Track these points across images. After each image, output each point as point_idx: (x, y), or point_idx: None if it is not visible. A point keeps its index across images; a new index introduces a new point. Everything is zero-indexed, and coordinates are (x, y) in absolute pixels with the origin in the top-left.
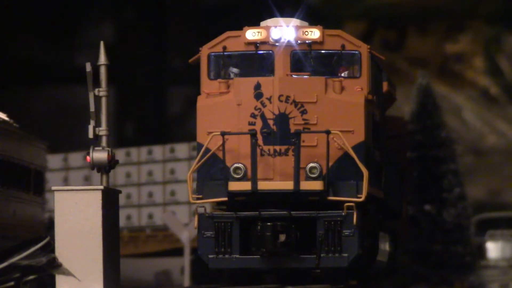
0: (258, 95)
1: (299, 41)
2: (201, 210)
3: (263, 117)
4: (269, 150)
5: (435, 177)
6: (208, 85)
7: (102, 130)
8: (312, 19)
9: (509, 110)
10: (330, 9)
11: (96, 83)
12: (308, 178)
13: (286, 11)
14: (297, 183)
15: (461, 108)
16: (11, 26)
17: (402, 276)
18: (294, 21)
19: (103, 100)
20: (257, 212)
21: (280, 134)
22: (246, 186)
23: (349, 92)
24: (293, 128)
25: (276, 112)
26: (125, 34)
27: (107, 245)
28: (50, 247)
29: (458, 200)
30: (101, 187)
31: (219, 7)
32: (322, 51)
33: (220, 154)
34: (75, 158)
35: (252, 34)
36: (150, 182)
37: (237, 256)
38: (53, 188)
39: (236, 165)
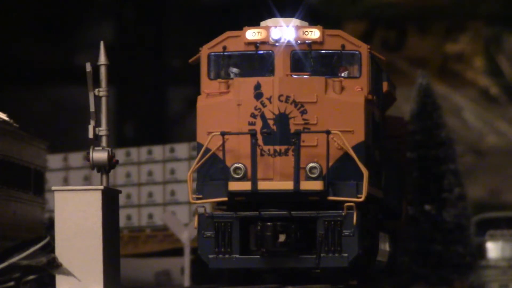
0: (258, 95)
1: (299, 41)
2: (201, 210)
3: (263, 117)
4: (269, 150)
5: (435, 177)
6: (208, 85)
7: (102, 130)
8: (312, 19)
9: (509, 110)
10: (330, 9)
11: (96, 83)
12: (308, 178)
13: (286, 11)
14: (297, 183)
15: (461, 108)
16: (11, 27)
17: (402, 276)
18: (294, 21)
19: (103, 100)
20: (257, 212)
21: (280, 134)
22: (246, 186)
23: (349, 92)
24: (293, 128)
25: (276, 112)
26: (125, 34)
27: (107, 245)
28: (50, 247)
29: (458, 200)
30: (101, 187)
31: (219, 7)
32: (322, 51)
33: (220, 154)
34: (75, 158)
35: (252, 34)
36: (150, 182)
37: (237, 256)
38: (53, 188)
39: (236, 165)
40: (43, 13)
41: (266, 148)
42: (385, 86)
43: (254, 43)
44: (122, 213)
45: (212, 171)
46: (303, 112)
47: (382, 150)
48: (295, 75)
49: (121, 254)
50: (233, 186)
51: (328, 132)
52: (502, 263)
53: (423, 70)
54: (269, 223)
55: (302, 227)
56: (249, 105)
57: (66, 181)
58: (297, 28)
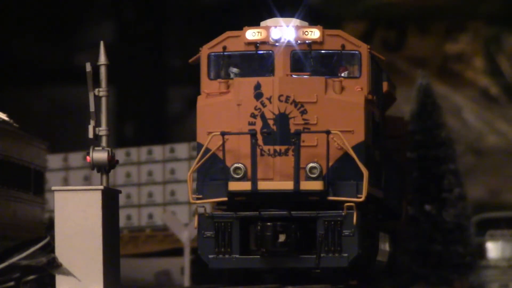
0: (258, 95)
1: (299, 41)
2: (201, 210)
3: (263, 117)
4: (269, 150)
5: (435, 177)
6: (208, 85)
7: (102, 130)
8: (312, 19)
9: (509, 110)
10: (330, 9)
11: (96, 83)
12: (308, 178)
13: (286, 11)
14: (297, 183)
15: (461, 108)
16: (11, 27)
17: (402, 276)
18: (294, 21)
19: (103, 100)
20: (257, 212)
21: (280, 134)
22: (246, 186)
23: (349, 92)
24: (293, 128)
25: (276, 112)
26: (125, 34)
27: (107, 245)
28: (50, 247)
29: (458, 200)
30: (101, 187)
31: (219, 7)
32: (322, 51)
33: (220, 154)
34: (75, 158)
35: (252, 34)
36: (150, 182)
37: (237, 256)
38: (53, 188)
39: (236, 165)
40: (43, 13)
41: (266, 148)
42: (385, 86)
43: (254, 43)
44: (122, 213)
45: (212, 171)
46: (303, 112)
47: (382, 150)
48: (295, 75)
49: (121, 254)
50: (233, 186)
51: (328, 132)
52: (502, 263)
53: (423, 70)
54: (269, 223)
55: (302, 227)
56: (249, 105)
57: (66, 181)
58: (297, 28)
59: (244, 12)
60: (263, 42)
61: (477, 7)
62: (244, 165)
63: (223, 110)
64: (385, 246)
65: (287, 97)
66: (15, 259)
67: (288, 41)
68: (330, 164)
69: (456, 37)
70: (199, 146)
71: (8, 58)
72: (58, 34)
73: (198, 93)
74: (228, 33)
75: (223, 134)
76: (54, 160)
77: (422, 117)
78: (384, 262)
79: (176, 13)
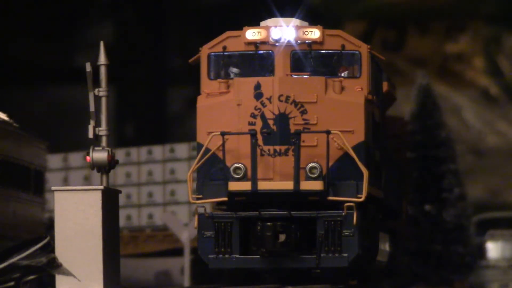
0: (258, 95)
1: (299, 41)
2: (201, 210)
3: (263, 117)
4: (269, 150)
5: (435, 177)
6: (208, 85)
7: (102, 130)
8: (312, 19)
9: (509, 110)
10: (330, 9)
11: (96, 83)
12: (308, 178)
13: (286, 11)
14: (297, 183)
15: (461, 108)
16: (11, 26)
17: (402, 276)
18: (294, 21)
19: (103, 100)
20: (257, 212)
21: (280, 134)
22: (246, 186)
23: (349, 92)
24: (293, 128)
25: (276, 112)
26: (125, 34)
27: (107, 245)
28: (50, 247)
29: (458, 200)
30: (101, 187)
31: (219, 7)
32: (322, 51)
33: (220, 154)
34: (75, 158)
35: (252, 34)
36: (150, 182)
37: (237, 256)
38: (53, 188)
39: (236, 165)
40: (43, 13)
41: (266, 148)
42: (385, 86)
43: (254, 43)
44: (122, 213)
45: (212, 171)
46: (303, 112)
47: (382, 150)
48: (295, 75)
49: (121, 254)
50: (233, 186)
51: (328, 132)
52: (502, 263)
53: (423, 70)
54: (269, 223)
55: (302, 227)
56: (249, 105)
57: (66, 181)
58: (297, 28)
59: (244, 12)
60: (263, 42)
61: (477, 7)
62: (244, 165)
63: (223, 110)
64: (385, 246)
65: (287, 97)
66: (15, 259)
67: (288, 41)
68: (330, 164)
69: (456, 37)
70: (199, 146)
71: (8, 58)
72: (58, 34)
73: (198, 93)
74: (228, 33)
75: (223, 134)
76: (54, 160)
77: (422, 117)
78: (384, 262)
79: (176, 13)
